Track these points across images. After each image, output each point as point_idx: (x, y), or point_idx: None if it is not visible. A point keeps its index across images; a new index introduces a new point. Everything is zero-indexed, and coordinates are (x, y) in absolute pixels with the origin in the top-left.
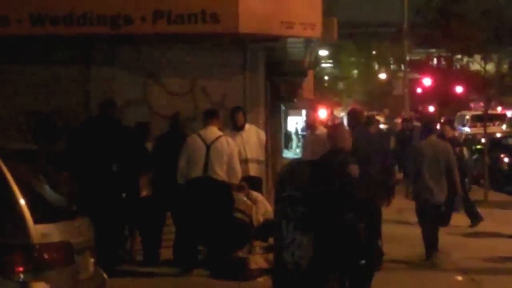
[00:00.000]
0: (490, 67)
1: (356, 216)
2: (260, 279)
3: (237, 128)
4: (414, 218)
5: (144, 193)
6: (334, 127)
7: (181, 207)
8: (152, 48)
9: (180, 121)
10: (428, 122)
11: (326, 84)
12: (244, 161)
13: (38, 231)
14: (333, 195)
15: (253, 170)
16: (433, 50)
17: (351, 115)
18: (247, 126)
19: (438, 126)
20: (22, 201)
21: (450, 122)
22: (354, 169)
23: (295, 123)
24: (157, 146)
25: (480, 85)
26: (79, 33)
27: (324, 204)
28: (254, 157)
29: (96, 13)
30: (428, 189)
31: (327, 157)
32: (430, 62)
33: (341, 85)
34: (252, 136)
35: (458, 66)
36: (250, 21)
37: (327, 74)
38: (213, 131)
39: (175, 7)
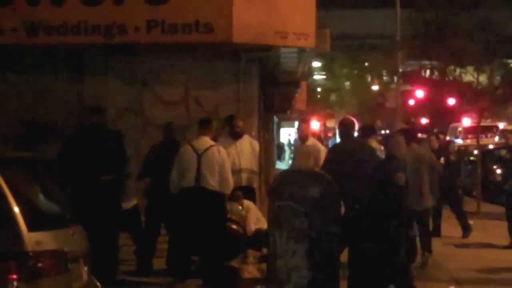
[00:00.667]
0: (483, 78)
1: (398, 224)
2: None
3: (236, 135)
4: None
5: (133, 202)
6: (389, 135)
7: (173, 216)
8: (146, 58)
9: (173, 130)
10: (409, 130)
11: (319, 96)
12: (238, 171)
13: (32, 239)
14: (382, 201)
15: (247, 180)
16: (426, 62)
17: (343, 125)
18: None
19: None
20: (16, 209)
21: (437, 134)
22: (401, 177)
23: (288, 134)
24: (149, 155)
25: (472, 96)
26: (73, 42)
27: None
28: (248, 167)
29: (90, 22)
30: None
31: (381, 164)
32: (423, 73)
33: (333, 96)
34: (246, 146)
35: (451, 78)
36: (244, 31)
37: (319, 86)
38: (205, 141)
39: (169, 16)
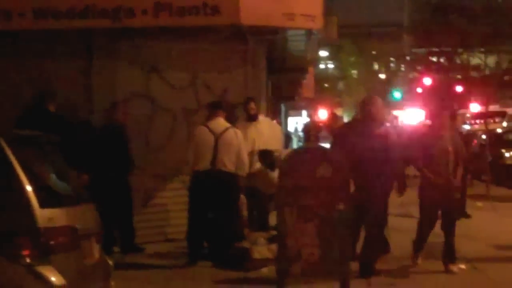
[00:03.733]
0: (491, 61)
1: None
2: (264, 269)
3: (251, 118)
4: (415, 211)
5: None
6: None
7: (190, 197)
8: (154, 42)
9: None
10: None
11: (326, 85)
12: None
13: (44, 216)
14: None
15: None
16: (434, 49)
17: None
18: (260, 117)
19: None
20: (28, 187)
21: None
22: None
23: (295, 123)
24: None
25: (480, 80)
26: (81, 26)
27: None
28: (268, 148)
29: (98, 6)
30: None
31: None
32: (430, 58)
33: (341, 85)
34: (265, 128)
35: (458, 61)
36: (251, 13)
37: (327, 75)
38: (221, 123)
39: None
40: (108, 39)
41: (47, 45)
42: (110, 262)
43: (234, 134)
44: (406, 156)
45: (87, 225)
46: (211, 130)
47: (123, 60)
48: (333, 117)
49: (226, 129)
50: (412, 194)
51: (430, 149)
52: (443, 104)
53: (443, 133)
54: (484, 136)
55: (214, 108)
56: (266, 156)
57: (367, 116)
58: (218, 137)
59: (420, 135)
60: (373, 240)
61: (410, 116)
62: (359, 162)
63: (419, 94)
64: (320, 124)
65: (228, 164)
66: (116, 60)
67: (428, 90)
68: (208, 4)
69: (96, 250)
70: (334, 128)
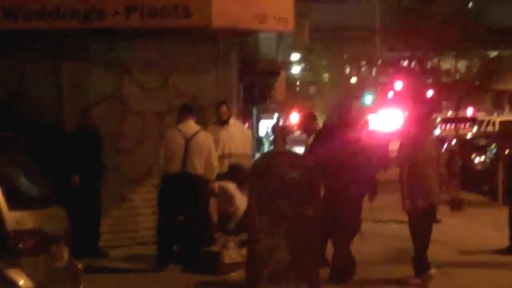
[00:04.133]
0: (462, 66)
1: None
2: (233, 273)
3: (222, 122)
4: (385, 216)
5: None
6: None
7: (159, 201)
8: (125, 43)
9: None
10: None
11: (297, 89)
12: (228, 156)
13: (13, 218)
14: None
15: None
16: (406, 53)
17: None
18: (232, 121)
19: None
20: None
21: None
22: None
23: (266, 127)
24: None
25: (450, 85)
26: (52, 27)
27: None
28: (238, 151)
29: (69, 7)
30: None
31: None
32: (402, 61)
33: (312, 89)
34: (237, 130)
35: (429, 65)
36: (223, 15)
37: (298, 79)
38: (191, 126)
39: (147, 1)
40: (79, 40)
41: (18, 45)
42: (80, 266)
43: (205, 137)
44: (386, 163)
45: (57, 228)
46: (182, 133)
47: (94, 61)
48: (312, 117)
49: (197, 132)
50: (381, 199)
51: (416, 156)
52: (426, 109)
53: (426, 139)
54: (454, 141)
55: (185, 111)
56: (235, 172)
57: (343, 120)
58: (189, 140)
59: (405, 143)
60: (344, 245)
61: (383, 120)
62: (335, 167)
63: (391, 98)
64: (294, 128)
65: (199, 167)
66: (87, 62)
67: (405, 94)
68: (179, 6)
69: (65, 254)
70: (310, 129)
